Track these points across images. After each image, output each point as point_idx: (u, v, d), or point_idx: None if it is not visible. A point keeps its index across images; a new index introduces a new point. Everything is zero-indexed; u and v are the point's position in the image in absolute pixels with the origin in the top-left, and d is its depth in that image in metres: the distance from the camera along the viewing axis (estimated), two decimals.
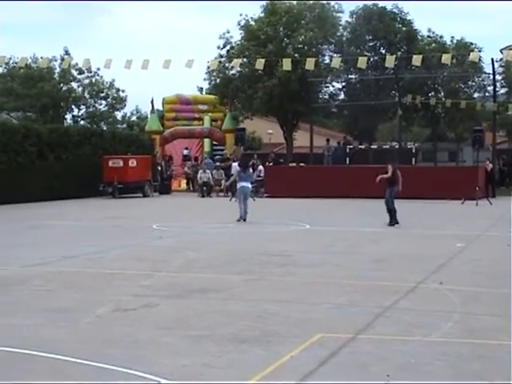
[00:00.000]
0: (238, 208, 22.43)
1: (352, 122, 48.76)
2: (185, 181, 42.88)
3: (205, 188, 37.85)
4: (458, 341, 8.00)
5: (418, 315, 9.27)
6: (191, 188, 41.33)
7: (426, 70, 43.39)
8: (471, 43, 48.63)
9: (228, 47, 45.62)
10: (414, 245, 16.80)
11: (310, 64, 32.93)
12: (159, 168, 40.46)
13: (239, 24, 45.67)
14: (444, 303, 10.02)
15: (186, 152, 44.83)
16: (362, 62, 32.56)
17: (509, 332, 8.24)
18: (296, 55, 42.56)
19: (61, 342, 7.95)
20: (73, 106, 58.83)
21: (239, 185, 22.69)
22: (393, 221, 20.89)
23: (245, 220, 22.30)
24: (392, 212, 20.96)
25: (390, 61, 32.86)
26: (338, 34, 46.78)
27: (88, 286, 11.43)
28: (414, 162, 44.88)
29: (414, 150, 47.97)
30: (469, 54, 37.63)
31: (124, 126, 68.08)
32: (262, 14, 45.88)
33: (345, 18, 47.66)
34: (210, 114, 47.43)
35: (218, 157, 44.25)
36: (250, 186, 23.02)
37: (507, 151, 50.84)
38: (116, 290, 11.02)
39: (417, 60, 32.07)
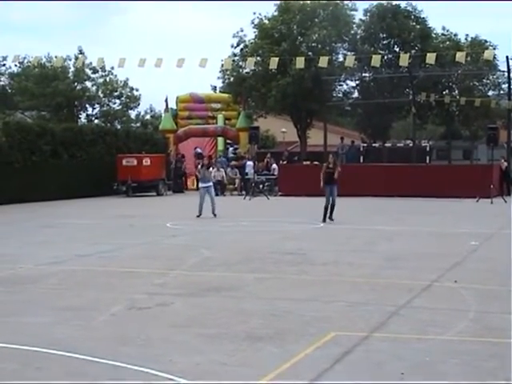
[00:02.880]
0: (199, 206, 23.51)
1: (366, 120, 48.63)
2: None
3: (218, 186, 37.86)
4: (474, 339, 7.97)
5: (432, 313, 9.24)
6: None
7: (441, 68, 43.24)
8: (486, 41, 48.41)
9: (242, 46, 45.61)
10: (429, 243, 16.74)
11: (323, 62, 32.92)
12: (172, 166, 40.51)
13: (253, 22, 45.65)
14: (459, 301, 9.98)
15: (199, 150, 44.82)
16: (375, 60, 32.51)
17: None
18: (310, 53, 42.52)
19: (75, 340, 7.97)
20: (87, 105, 58.98)
21: (201, 185, 24.11)
22: (327, 216, 21.56)
23: (215, 215, 23.39)
24: (333, 207, 21.62)
25: (404, 59, 32.79)
26: (352, 32, 46.64)
27: (102, 284, 11.45)
28: (428, 161, 44.86)
29: (428, 149, 47.92)
30: (483, 52, 37.48)
31: (138, 124, 68.17)
32: (276, 13, 45.82)
33: (358, 15, 47.56)
34: (223, 112, 47.41)
35: (231, 155, 44.26)
36: (211, 184, 24.19)
37: None
38: (130, 288, 11.04)
39: (431, 58, 31.98)
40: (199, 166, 25.11)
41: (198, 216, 23.30)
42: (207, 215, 23.22)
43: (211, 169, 24.79)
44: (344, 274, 12.30)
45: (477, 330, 8.41)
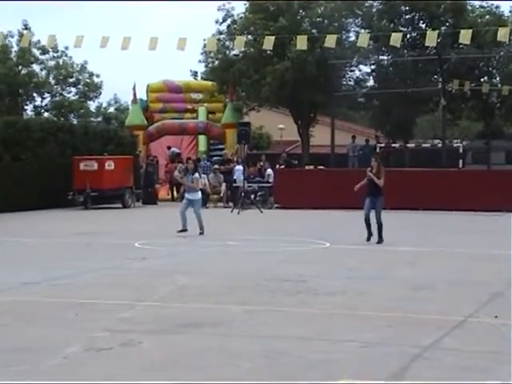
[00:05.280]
0: (181, 219, 23.51)
1: (383, 115, 48.73)
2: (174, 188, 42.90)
3: None
4: None
5: (466, 357, 9.24)
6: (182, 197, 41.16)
7: (478, 50, 43.32)
8: None
9: (229, 21, 45.73)
10: (461, 268, 16.77)
11: (330, 42, 33.00)
12: (142, 171, 40.52)
13: None
14: (499, 342, 9.98)
15: (176, 150, 44.76)
16: (396, 39, 32.61)
17: None
18: (314, 31, 42.63)
19: None
20: (34, 94, 59.03)
21: (186, 195, 24.27)
22: (381, 237, 21.29)
23: (201, 233, 23.38)
24: (381, 226, 21.34)
25: (432, 38, 32.90)
26: (367, 4, 46.85)
27: (53, 319, 11.43)
28: (461, 165, 44.87)
29: (461, 150, 47.92)
30: None
31: (99, 119, 68.32)
32: None
33: None
34: (206, 104, 47.51)
35: (216, 158, 44.26)
36: (199, 197, 24.11)
37: None
38: (88, 324, 11.03)
39: (465, 36, 32.08)
40: (176, 172, 24.79)
41: (179, 231, 23.27)
42: (191, 233, 23.22)
43: (197, 174, 24.51)
44: (355, 306, 12.32)
45: None
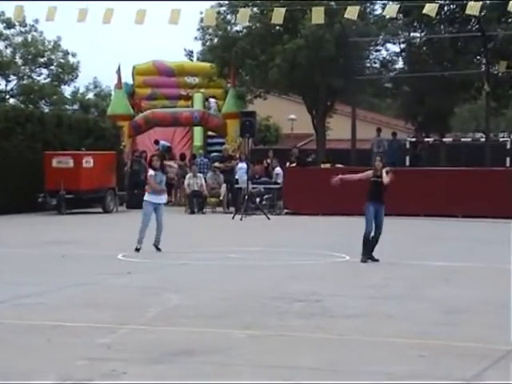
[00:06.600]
0: (139, 231, 22.28)
1: (415, 104, 48.61)
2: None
3: (195, 200, 37.80)
4: None
5: None
6: (173, 199, 41.10)
7: None
8: None
9: None
10: (504, 287, 16.70)
11: (351, 14, 32.95)
12: (127, 170, 40.51)
13: None
14: None
15: (166, 143, 44.71)
16: (430, 10, 32.56)
17: None
18: (332, 3, 42.61)
19: None
20: None
21: (149, 198, 22.61)
22: (371, 253, 20.71)
23: (158, 249, 22.26)
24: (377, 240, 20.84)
25: (474, 9, 32.77)
26: None
27: (20, 345, 11.44)
28: (508, 163, 44.81)
29: (508, 145, 47.86)
30: None
31: (75, 106, 68.28)
32: None
33: None
34: (203, 90, 47.49)
35: (215, 154, 44.23)
36: (164, 201, 23.07)
37: None
38: (62, 351, 11.04)
39: None
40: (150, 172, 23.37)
41: (137, 250, 22.17)
42: (185, 243, 23.22)
43: (170, 173, 23.91)
44: (380, 331, 12.33)
45: None
